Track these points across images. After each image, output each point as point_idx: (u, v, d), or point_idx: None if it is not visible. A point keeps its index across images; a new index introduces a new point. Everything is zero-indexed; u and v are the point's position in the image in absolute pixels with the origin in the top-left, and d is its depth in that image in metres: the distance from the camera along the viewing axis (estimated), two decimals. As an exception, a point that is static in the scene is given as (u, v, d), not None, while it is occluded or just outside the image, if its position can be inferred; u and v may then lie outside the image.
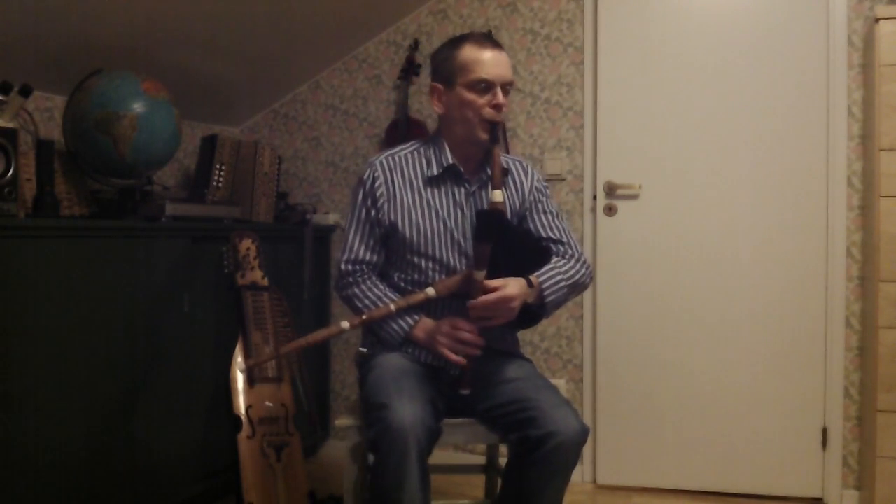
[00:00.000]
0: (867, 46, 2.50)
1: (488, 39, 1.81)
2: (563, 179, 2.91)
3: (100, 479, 2.09)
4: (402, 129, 2.97)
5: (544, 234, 1.90)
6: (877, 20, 2.29)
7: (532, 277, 1.75)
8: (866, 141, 2.52)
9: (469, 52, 1.77)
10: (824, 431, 2.63)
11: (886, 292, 2.30)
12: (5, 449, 1.83)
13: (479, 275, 1.68)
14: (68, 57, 2.33)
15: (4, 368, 1.83)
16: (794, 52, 2.63)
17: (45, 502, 1.93)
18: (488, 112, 1.76)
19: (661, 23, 2.75)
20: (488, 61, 1.75)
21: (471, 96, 1.76)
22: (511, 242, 1.76)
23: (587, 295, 2.86)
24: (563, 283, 1.79)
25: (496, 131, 1.76)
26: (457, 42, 1.81)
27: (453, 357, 1.72)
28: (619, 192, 2.80)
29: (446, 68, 1.80)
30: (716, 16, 2.70)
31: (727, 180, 2.70)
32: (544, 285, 1.76)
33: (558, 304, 1.81)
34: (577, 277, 1.83)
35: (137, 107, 2.27)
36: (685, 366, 2.75)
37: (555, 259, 1.84)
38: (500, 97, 1.76)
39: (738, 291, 2.70)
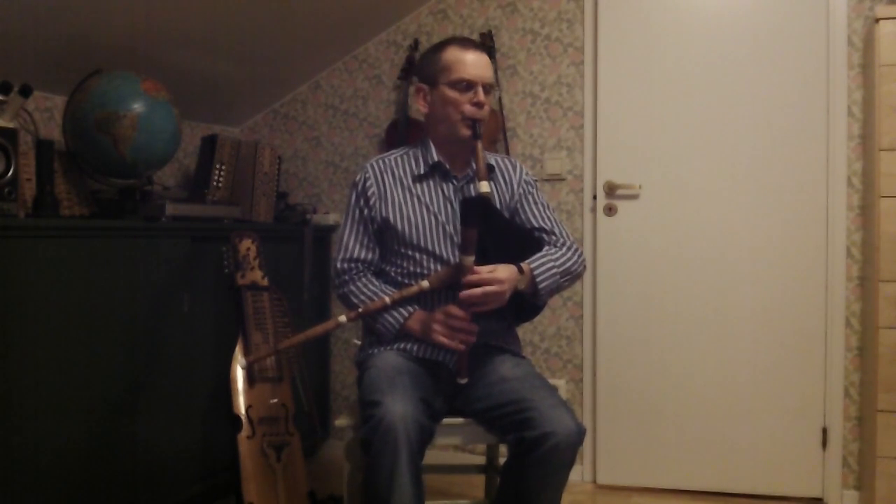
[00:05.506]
0: (867, 46, 2.50)
1: (471, 42, 1.90)
2: (563, 179, 2.91)
3: (100, 479, 2.09)
4: (402, 130, 2.96)
5: (536, 224, 1.94)
6: (877, 20, 2.29)
7: (523, 265, 1.79)
8: (866, 141, 2.52)
9: (452, 54, 1.85)
10: (824, 431, 2.64)
11: (886, 292, 2.30)
12: (5, 449, 1.83)
13: (468, 260, 1.71)
14: (68, 57, 2.33)
15: (4, 368, 1.83)
16: (794, 52, 2.63)
17: (45, 502, 1.93)
18: (469, 109, 1.83)
19: (661, 23, 2.75)
20: (470, 62, 1.84)
21: (453, 94, 1.84)
22: (500, 232, 1.81)
23: (587, 295, 2.86)
24: (554, 270, 1.82)
25: (478, 128, 1.84)
26: (441, 45, 1.90)
27: (450, 343, 1.74)
28: (619, 192, 2.80)
29: (430, 69, 1.88)
30: (716, 16, 2.70)
31: (727, 180, 2.71)
32: (536, 272, 1.79)
33: (552, 291, 1.84)
34: (568, 265, 1.86)
35: (137, 107, 2.27)
36: (685, 365, 2.75)
37: (546, 248, 1.88)
38: (481, 95, 1.83)
39: (738, 291, 2.70)
